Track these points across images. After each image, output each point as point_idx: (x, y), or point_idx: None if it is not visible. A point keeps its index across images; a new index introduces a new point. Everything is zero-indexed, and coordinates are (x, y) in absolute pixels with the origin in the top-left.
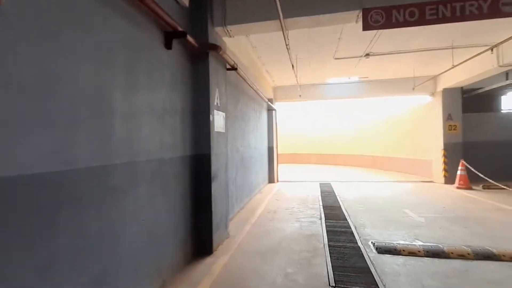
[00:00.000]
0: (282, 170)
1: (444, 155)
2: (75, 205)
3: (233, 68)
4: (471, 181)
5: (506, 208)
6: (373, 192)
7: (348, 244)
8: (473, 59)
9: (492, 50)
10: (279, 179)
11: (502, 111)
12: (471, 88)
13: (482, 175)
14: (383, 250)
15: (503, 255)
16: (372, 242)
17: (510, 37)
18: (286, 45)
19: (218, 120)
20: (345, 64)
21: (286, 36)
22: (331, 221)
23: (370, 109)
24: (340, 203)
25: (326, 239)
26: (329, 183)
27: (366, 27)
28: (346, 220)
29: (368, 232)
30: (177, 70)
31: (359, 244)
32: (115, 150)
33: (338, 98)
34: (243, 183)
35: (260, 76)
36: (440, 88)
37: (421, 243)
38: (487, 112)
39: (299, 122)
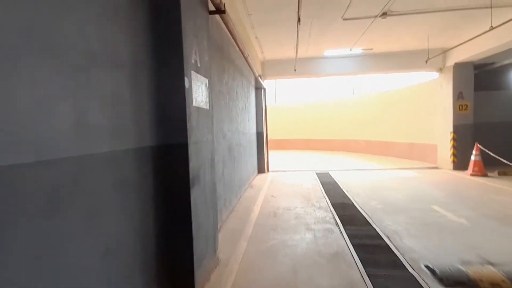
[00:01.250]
0: (270, 156)
1: (454, 138)
2: None
3: (219, 11)
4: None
5: None
6: (381, 183)
7: (394, 272)
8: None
9: None
10: (269, 169)
11: None
12: (482, 63)
13: (504, 160)
14: (451, 281)
15: None
16: (427, 266)
17: None
18: None
19: (198, 89)
20: (353, 27)
21: None
22: (351, 227)
23: (364, 88)
24: (351, 198)
25: (360, 263)
26: (327, 172)
27: None
28: (370, 225)
29: (410, 246)
30: None
31: (410, 269)
32: None
33: (337, 75)
34: (231, 180)
35: (248, 43)
36: (450, 62)
37: (490, 262)
38: (501, 90)
39: (284, 103)
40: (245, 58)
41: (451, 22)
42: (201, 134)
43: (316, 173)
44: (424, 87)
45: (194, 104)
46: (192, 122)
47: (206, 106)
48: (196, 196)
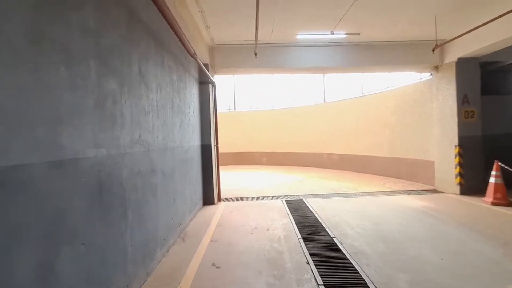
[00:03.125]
0: (224, 176)
1: (459, 154)
2: None
3: None
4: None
5: None
6: (389, 223)
7: None
8: None
9: None
10: (222, 196)
11: None
12: (486, 61)
13: None
14: None
15: None
16: None
17: None
18: None
19: None
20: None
21: None
22: None
23: (338, 93)
24: (359, 269)
25: None
26: (301, 200)
27: None
28: None
29: None
30: None
31: None
32: None
33: (313, 70)
34: (138, 243)
35: (188, 18)
36: (451, 58)
37: None
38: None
39: (245, 110)
40: (170, 23)
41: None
42: None
43: (287, 202)
44: (412, 90)
45: None
46: None
47: None
48: None
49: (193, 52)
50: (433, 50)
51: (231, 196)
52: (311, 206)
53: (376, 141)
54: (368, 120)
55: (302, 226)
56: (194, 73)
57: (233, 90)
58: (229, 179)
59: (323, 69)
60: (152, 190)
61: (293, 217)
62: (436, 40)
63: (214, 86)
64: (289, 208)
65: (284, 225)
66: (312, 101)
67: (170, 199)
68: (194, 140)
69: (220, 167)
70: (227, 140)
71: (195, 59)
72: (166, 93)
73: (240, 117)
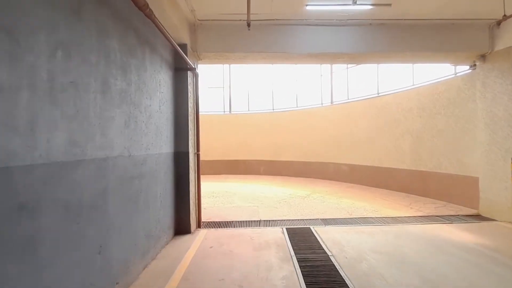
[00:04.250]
0: (213, 189)
1: None
2: None
3: None
4: None
5: None
6: (447, 276)
7: None
8: None
9: None
10: (203, 219)
11: None
12: None
13: None
14: None
15: None
16: None
17: None
18: None
19: None
20: None
21: None
22: None
23: (349, 92)
24: None
25: None
26: (308, 228)
27: None
28: None
29: None
30: None
31: None
32: None
33: (322, 59)
34: None
35: None
36: (507, 42)
37: None
38: None
39: (242, 112)
40: None
41: None
42: None
43: (288, 232)
44: (444, 88)
45: None
46: None
47: None
48: None
49: (175, 44)
50: (499, 24)
51: (216, 219)
52: (323, 241)
53: (394, 150)
54: (384, 125)
55: (313, 282)
56: (166, 54)
57: (229, 90)
58: (219, 192)
59: (337, 57)
60: (29, 247)
61: (298, 261)
62: (490, 19)
63: (196, 76)
64: (291, 243)
65: (285, 282)
66: (318, 102)
67: (88, 251)
68: (159, 147)
69: (212, 177)
70: (220, 146)
71: (170, 43)
72: (90, 66)
73: (236, 120)
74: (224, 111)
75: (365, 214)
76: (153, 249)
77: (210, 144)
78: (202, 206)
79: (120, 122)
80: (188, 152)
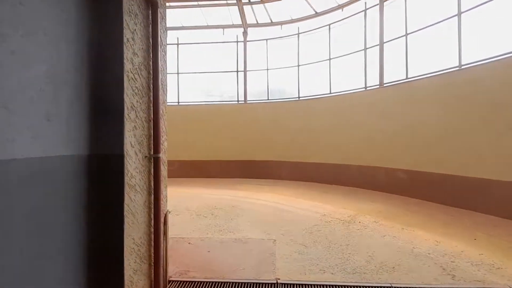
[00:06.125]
0: (213, 203)
1: None
2: None
3: None
4: None
5: None
6: None
7: None
8: None
9: None
10: (178, 272)
11: None
12: None
13: None
14: None
15: None
16: None
17: None
18: None
19: None
20: None
21: None
22: None
23: (404, 70)
24: None
25: None
26: None
27: None
28: None
29: None
30: None
31: None
32: None
33: None
34: None
35: None
36: None
37: None
38: None
39: (254, 100)
40: None
41: None
42: None
43: None
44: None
45: None
46: None
47: None
48: None
49: None
50: None
51: (197, 274)
52: None
53: (490, 153)
54: (473, 113)
55: None
56: None
57: (244, 74)
58: (222, 208)
59: None
60: None
61: None
62: None
63: (156, 13)
64: None
65: None
66: (359, 85)
67: None
68: (37, 142)
69: (219, 181)
70: (232, 143)
71: None
72: None
73: (253, 111)
74: (238, 100)
75: (476, 273)
76: None
77: (220, 140)
78: (189, 234)
79: None
80: (123, 156)
